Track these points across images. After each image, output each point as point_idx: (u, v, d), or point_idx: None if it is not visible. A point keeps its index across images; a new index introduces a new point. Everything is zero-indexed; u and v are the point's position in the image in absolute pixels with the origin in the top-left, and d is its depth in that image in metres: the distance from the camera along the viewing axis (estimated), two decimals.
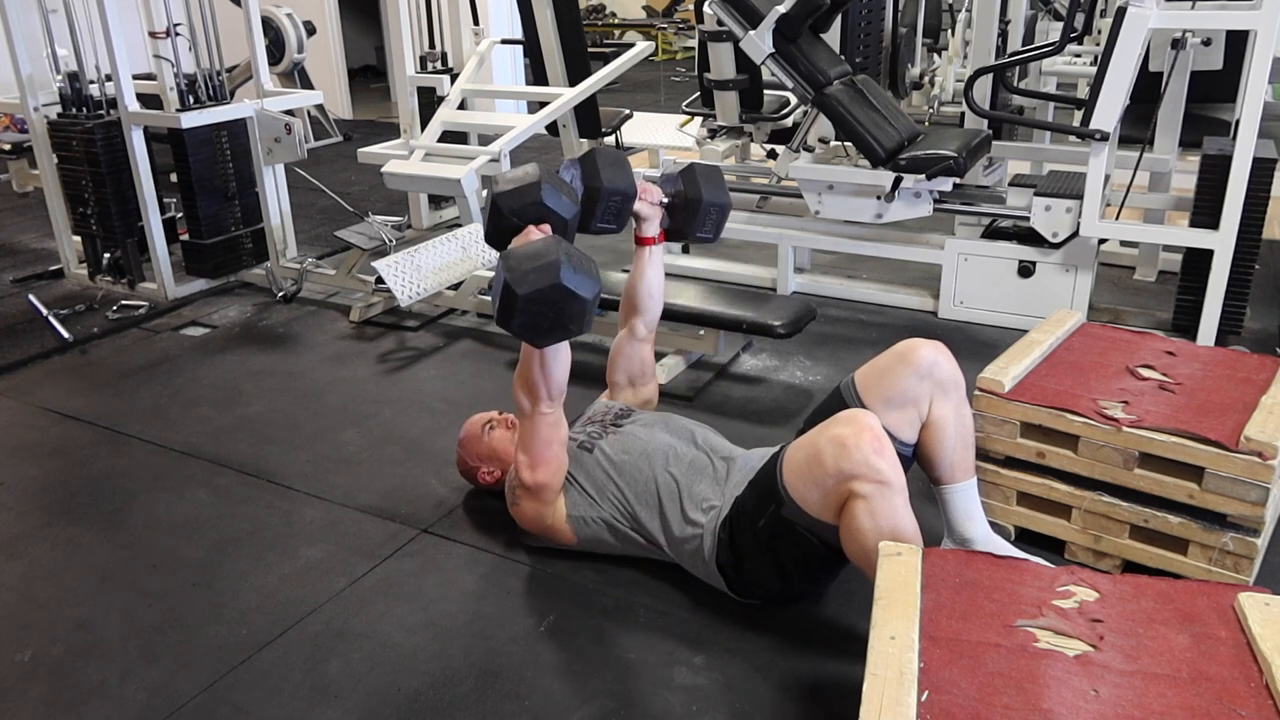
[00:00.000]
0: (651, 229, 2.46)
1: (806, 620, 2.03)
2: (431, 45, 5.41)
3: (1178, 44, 3.37)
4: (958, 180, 3.47)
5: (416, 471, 2.68)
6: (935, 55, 6.22)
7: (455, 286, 3.72)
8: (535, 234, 2.05)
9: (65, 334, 3.68)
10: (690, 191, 2.39)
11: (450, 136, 4.47)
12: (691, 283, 3.42)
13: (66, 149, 3.94)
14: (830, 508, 1.82)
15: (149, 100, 3.97)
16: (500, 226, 2.08)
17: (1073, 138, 3.61)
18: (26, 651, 2.03)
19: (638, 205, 2.38)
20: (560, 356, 2.06)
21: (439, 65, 5.28)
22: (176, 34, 3.83)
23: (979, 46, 4.16)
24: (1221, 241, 3.02)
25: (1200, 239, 3.08)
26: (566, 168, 2.27)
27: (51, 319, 3.79)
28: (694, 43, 8.20)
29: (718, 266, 4.17)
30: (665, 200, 2.43)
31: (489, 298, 3.68)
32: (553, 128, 5.00)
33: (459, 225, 4.15)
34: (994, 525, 2.17)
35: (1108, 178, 3.33)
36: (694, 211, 2.40)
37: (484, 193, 4.61)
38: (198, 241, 4.01)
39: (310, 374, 3.33)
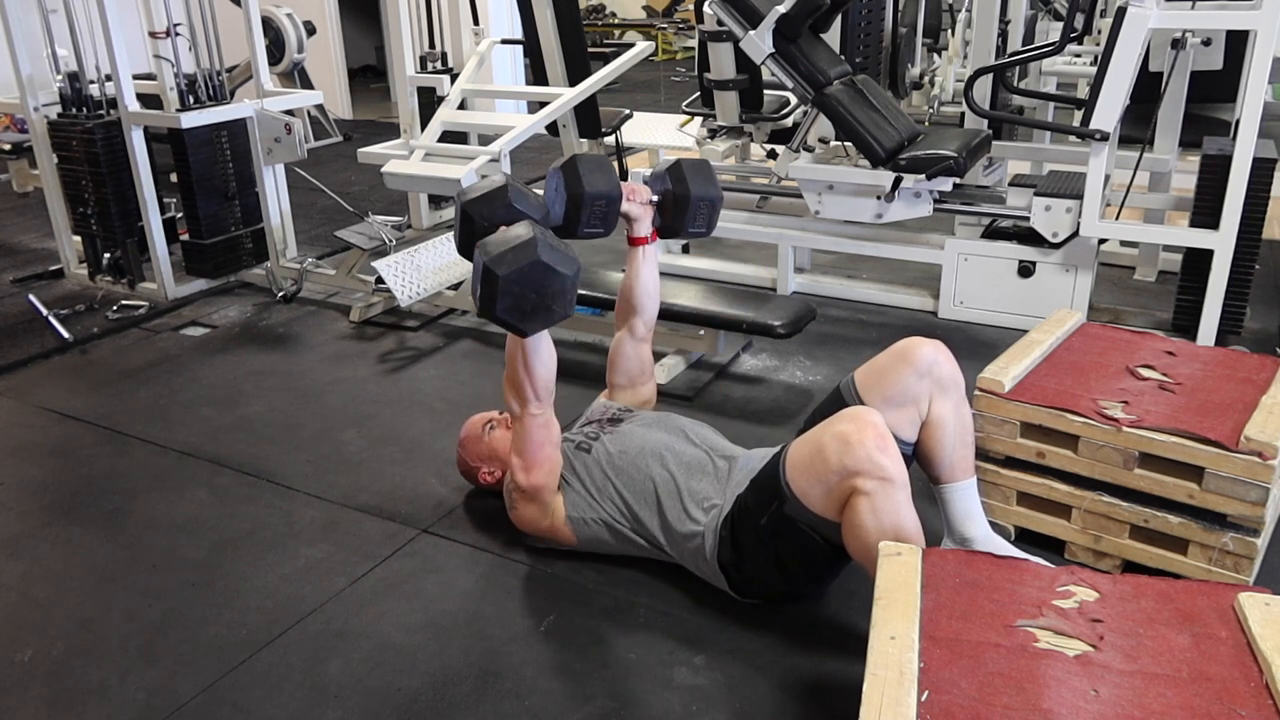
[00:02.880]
0: (643, 229, 2.45)
1: (807, 620, 2.03)
2: (431, 45, 5.41)
3: (1178, 44, 3.37)
4: (958, 180, 3.47)
5: (416, 471, 2.68)
6: (935, 55, 6.21)
7: (455, 286, 3.72)
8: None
9: (65, 334, 3.68)
10: (678, 188, 2.39)
11: (450, 136, 4.46)
12: (691, 283, 3.42)
13: (66, 149, 3.94)
14: (833, 505, 1.82)
15: (149, 100, 3.97)
16: (471, 233, 2.10)
17: (1073, 138, 3.61)
18: (26, 651, 2.03)
19: (626, 206, 2.38)
20: (543, 354, 2.05)
21: (439, 65, 5.28)
22: (176, 34, 3.83)
23: (979, 46, 4.16)
24: (1221, 241, 3.02)
25: (1200, 239, 3.08)
26: (550, 177, 2.28)
27: (51, 319, 3.79)
28: (694, 43, 8.20)
29: (717, 266, 4.17)
30: (654, 199, 2.43)
31: None
32: (553, 128, 5.00)
33: None
34: (994, 525, 2.17)
35: (1108, 178, 3.33)
36: (684, 207, 2.40)
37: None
38: (198, 241, 4.01)
39: (310, 374, 3.33)
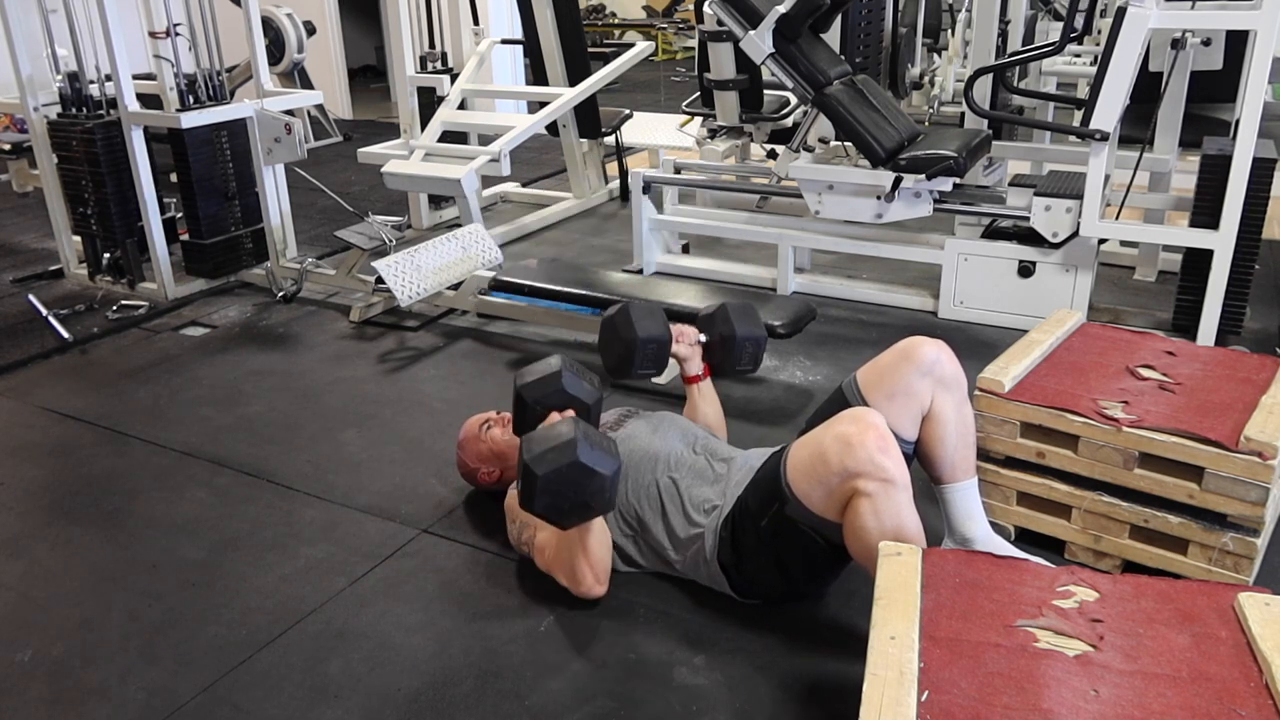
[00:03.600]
0: (694, 368, 2.52)
1: (807, 620, 2.03)
2: (431, 45, 5.41)
3: (1178, 44, 3.37)
4: (958, 180, 3.47)
5: (416, 471, 2.68)
6: (935, 55, 6.22)
7: (455, 286, 3.72)
8: (557, 418, 2.09)
9: (65, 334, 3.68)
10: (724, 330, 2.48)
11: (450, 136, 4.47)
12: (692, 283, 3.42)
13: (66, 149, 3.94)
14: (834, 506, 1.82)
15: (149, 100, 3.97)
16: (526, 416, 2.18)
17: (1073, 138, 3.61)
18: (26, 651, 2.03)
19: (676, 347, 2.47)
20: (600, 536, 2.05)
21: (439, 65, 5.28)
22: (176, 34, 3.83)
23: (979, 46, 4.16)
24: (1221, 241, 3.02)
25: (1200, 239, 3.08)
26: (604, 325, 2.44)
27: (51, 319, 3.79)
28: (694, 43, 8.20)
29: (718, 266, 4.17)
30: (702, 339, 2.52)
31: (489, 298, 3.68)
32: (553, 128, 5.01)
33: (459, 225, 4.15)
34: (994, 525, 2.17)
35: (1108, 178, 3.33)
36: (730, 348, 2.49)
37: (481, 192, 4.62)
38: (198, 241, 4.01)
39: (310, 374, 3.33)
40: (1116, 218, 3.38)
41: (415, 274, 3.53)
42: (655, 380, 2.77)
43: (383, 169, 4.20)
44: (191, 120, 3.76)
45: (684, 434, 2.26)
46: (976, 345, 3.36)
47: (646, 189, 4.13)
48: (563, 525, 1.97)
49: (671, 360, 2.50)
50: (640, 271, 4.18)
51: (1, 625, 2.12)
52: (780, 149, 3.84)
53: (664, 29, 11.83)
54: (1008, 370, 2.22)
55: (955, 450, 2.05)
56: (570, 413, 2.14)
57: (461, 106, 4.64)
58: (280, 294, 4.04)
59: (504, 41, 5.75)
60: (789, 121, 4.16)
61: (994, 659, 1.41)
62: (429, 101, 4.73)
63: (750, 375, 2.64)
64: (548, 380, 2.18)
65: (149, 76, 4.18)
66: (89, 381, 3.32)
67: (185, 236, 4.08)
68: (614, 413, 2.40)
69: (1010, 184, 3.63)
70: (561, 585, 2.09)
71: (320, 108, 6.67)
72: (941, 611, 1.51)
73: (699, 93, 4.28)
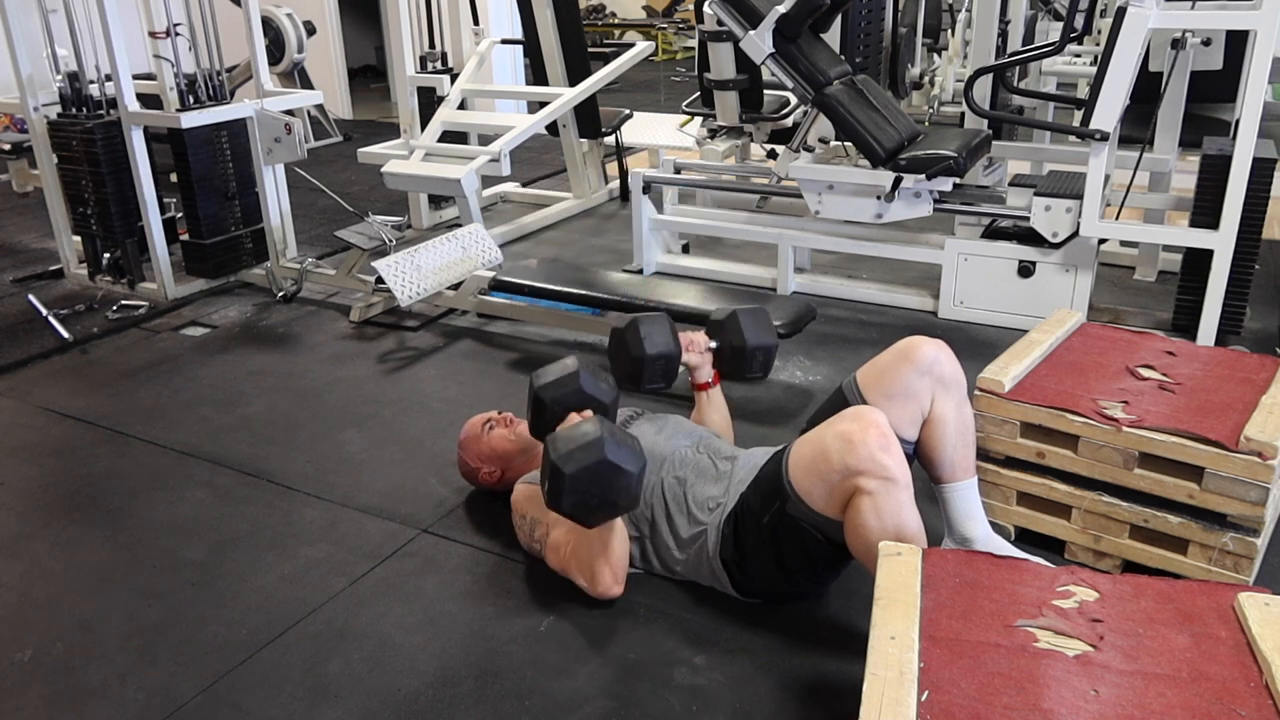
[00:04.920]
0: (704, 375, 2.51)
1: (807, 620, 2.03)
2: (431, 45, 5.42)
3: (1178, 44, 3.38)
4: (958, 180, 3.47)
5: (416, 471, 2.68)
6: (935, 55, 6.22)
7: (455, 286, 3.72)
8: (576, 418, 2.09)
9: (65, 334, 3.68)
10: (734, 339, 2.47)
11: (450, 136, 4.47)
12: (692, 283, 3.42)
13: (66, 149, 3.94)
14: (835, 504, 1.82)
15: (149, 100, 3.97)
16: (543, 417, 2.18)
17: (1073, 138, 3.61)
18: (26, 651, 2.03)
19: (686, 357, 2.45)
20: (621, 536, 2.06)
21: (439, 65, 5.28)
22: (176, 34, 3.83)
23: (979, 46, 4.16)
24: (1221, 241, 3.02)
25: (1200, 239, 3.08)
26: (612, 340, 2.41)
27: (51, 319, 3.79)
28: (694, 43, 8.20)
29: (718, 266, 4.17)
30: (712, 346, 2.51)
31: (489, 298, 3.68)
32: (553, 128, 5.00)
33: (459, 225, 4.15)
34: (994, 525, 2.17)
35: (1108, 178, 3.33)
36: (740, 356, 2.48)
37: (481, 192, 4.62)
38: (198, 241, 4.01)
39: (310, 374, 3.33)
40: (1116, 218, 3.38)
41: (415, 274, 3.53)
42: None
43: (383, 169, 4.20)
44: (191, 120, 3.76)
45: (689, 435, 2.27)
46: (976, 345, 3.36)
47: (646, 189, 4.13)
48: (589, 523, 1.98)
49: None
50: (640, 271, 4.18)
51: (1, 625, 2.12)
52: (780, 149, 3.84)
53: (664, 29, 11.83)
54: (1008, 370, 2.22)
55: (955, 450, 2.05)
56: (589, 413, 2.14)
57: (461, 106, 4.64)
58: (280, 294, 4.04)
59: (504, 41, 5.75)
60: (789, 121, 4.16)
61: (994, 659, 1.41)
62: (429, 101, 4.73)
63: (760, 381, 2.63)
64: (566, 381, 2.19)
65: (149, 76, 4.18)
66: (89, 381, 3.32)
67: (185, 236, 4.08)
68: (620, 414, 2.40)
69: (1010, 184, 3.63)
70: (576, 585, 2.09)
71: (320, 108, 6.68)
72: (941, 611, 1.51)
73: (699, 93, 4.28)
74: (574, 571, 2.10)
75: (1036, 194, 3.36)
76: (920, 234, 3.83)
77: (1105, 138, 3.13)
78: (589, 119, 5.09)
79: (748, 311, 2.52)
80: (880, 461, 1.76)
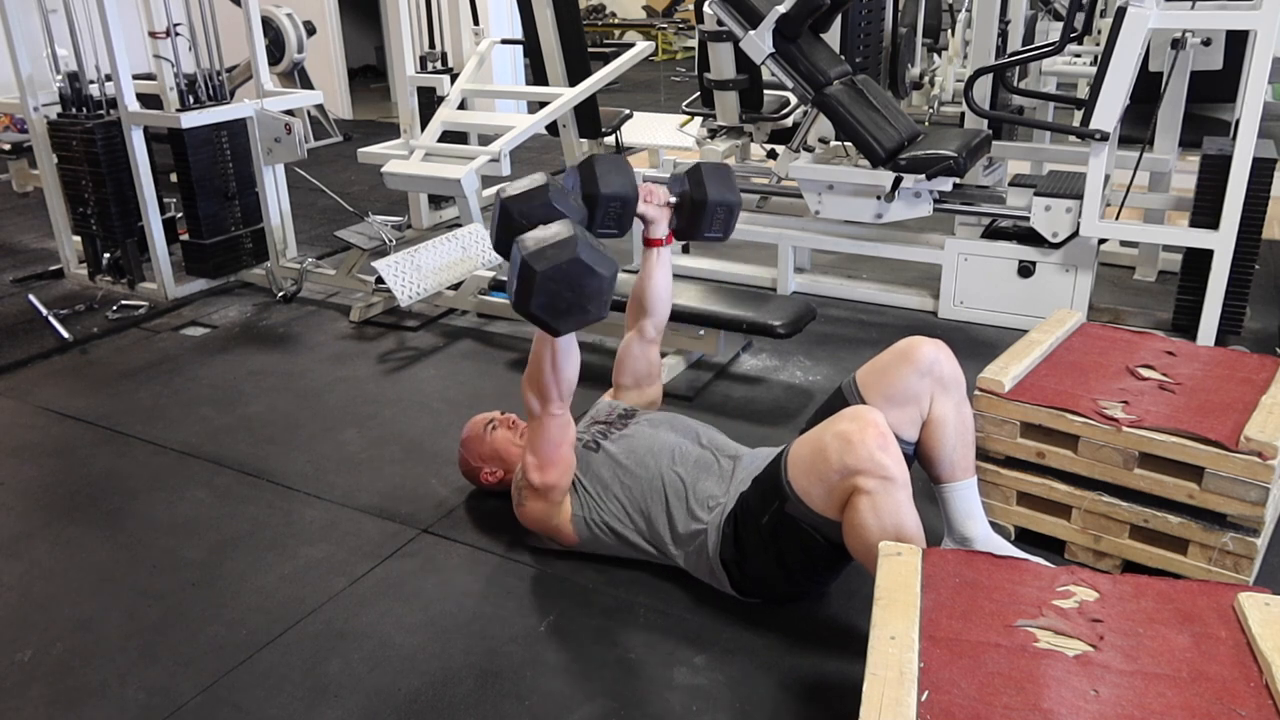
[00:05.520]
0: (659, 230, 2.44)
1: (807, 620, 2.03)
2: (431, 45, 5.42)
3: (1178, 44, 3.38)
4: (958, 180, 3.47)
5: (416, 471, 2.68)
6: (935, 55, 6.22)
7: (455, 286, 3.72)
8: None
9: (65, 334, 3.68)
10: (695, 192, 2.38)
11: (450, 136, 4.47)
12: (692, 283, 3.41)
13: (66, 149, 3.94)
14: (834, 504, 1.82)
15: (149, 100, 3.97)
16: (509, 230, 2.08)
17: (1073, 138, 3.61)
18: (26, 651, 2.03)
19: (643, 207, 2.36)
20: (572, 356, 2.05)
21: (439, 65, 5.28)
22: (176, 34, 3.83)
23: (979, 46, 4.16)
24: (1221, 241, 3.02)
25: (1200, 239, 3.08)
26: (567, 176, 2.27)
27: (51, 319, 3.79)
28: (694, 43, 8.20)
29: (718, 266, 4.17)
30: (672, 200, 2.41)
31: (489, 298, 3.68)
32: (553, 128, 5.00)
33: (459, 225, 4.15)
34: (994, 525, 2.17)
35: (1108, 178, 3.33)
36: (700, 211, 2.38)
37: (481, 192, 4.62)
38: (198, 241, 4.01)
39: (310, 374, 3.33)
40: (1116, 218, 3.38)
41: (415, 274, 3.53)
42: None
43: (383, 169, 4.20)
44: (191, 120, 3.76)
45: (689, 429, 2.26)
46: (976, 345, 3.36)
47: None
48: (556, 328, 1.92)
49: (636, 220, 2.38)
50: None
51: (1, 625, 2.12)
52: (780, 149, 3.84)
53: (664, 29, 11.83)
54: (1008, 370, 2.22)
55: (954, 450, 2.05)
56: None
57: (461, 106, 4.63)
58: (280, 294, 4.04)
59: (504, 41, 5.75)
60: (789, 121, 4.16)
61: (994, 659, 1.41)
62: (429, 101, 4.73)
63: (719, 242, 2.48)
64: (534, 194, 2.07)
65: (149, 76, 4.18)
66: (89, 381, 3.32)
67: (185, 236, 4.07)
68: (618, 413, 2.39)
69: (1010, 184, 3.63)
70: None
71: (320, 108, 6.67)
72: (941, 611, 1.51)
73: (699, 93, 4.28)
74: (534, 445, 2.11)
75: (1036, 194, 3.36)
76: (920, 234, 3.83)
77: (1105, 138, 3.13)
78: (589, 119, 5.09)
79: (711, 165, 2.40)
80: (879, 461, 1.76)
